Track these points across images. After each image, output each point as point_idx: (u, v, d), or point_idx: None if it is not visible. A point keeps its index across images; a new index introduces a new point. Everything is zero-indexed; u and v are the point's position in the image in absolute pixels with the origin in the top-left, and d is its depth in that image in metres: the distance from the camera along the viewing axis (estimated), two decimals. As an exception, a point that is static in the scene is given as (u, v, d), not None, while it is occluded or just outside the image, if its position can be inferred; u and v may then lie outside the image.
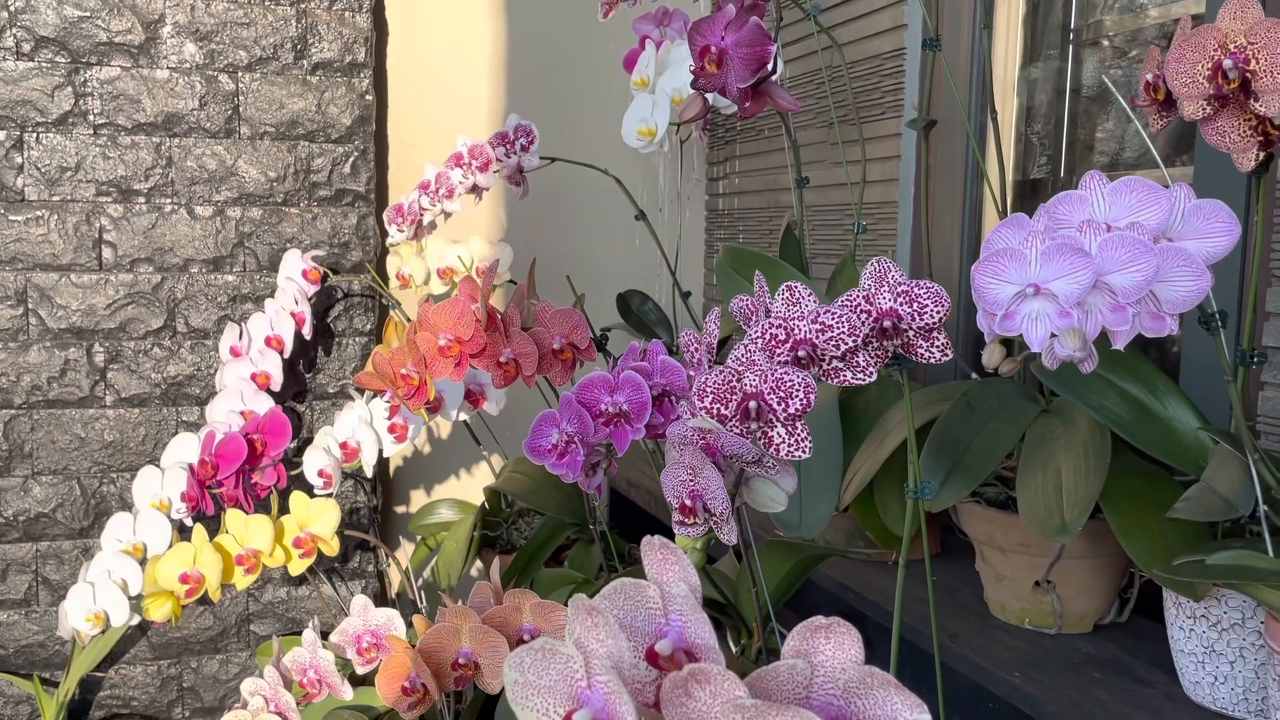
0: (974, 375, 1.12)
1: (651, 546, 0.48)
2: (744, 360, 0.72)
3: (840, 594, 1.19)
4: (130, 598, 1.41)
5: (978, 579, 1.12)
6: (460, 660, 0.85)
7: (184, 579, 1.19)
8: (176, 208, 1.72)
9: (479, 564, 1.77)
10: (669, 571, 0.48)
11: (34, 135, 1.64)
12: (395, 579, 1.94)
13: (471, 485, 2.02)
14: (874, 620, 1.14)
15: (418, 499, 2.01)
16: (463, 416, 1.36)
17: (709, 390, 0.71)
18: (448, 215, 1.52)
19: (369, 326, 1.84)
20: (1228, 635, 0.84)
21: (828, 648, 0.47)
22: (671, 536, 1.62)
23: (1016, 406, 1.02)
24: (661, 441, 1.34)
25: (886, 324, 0.72)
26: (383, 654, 1.13)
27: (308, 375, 1.81)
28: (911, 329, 0.72)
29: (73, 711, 1.71)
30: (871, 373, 0.72)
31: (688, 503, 0.71)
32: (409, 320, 1.82)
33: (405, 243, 1.52)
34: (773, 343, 0.72)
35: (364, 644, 1.11)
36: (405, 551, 1.96)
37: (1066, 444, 0.92)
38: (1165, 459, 0.88)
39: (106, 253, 1.69)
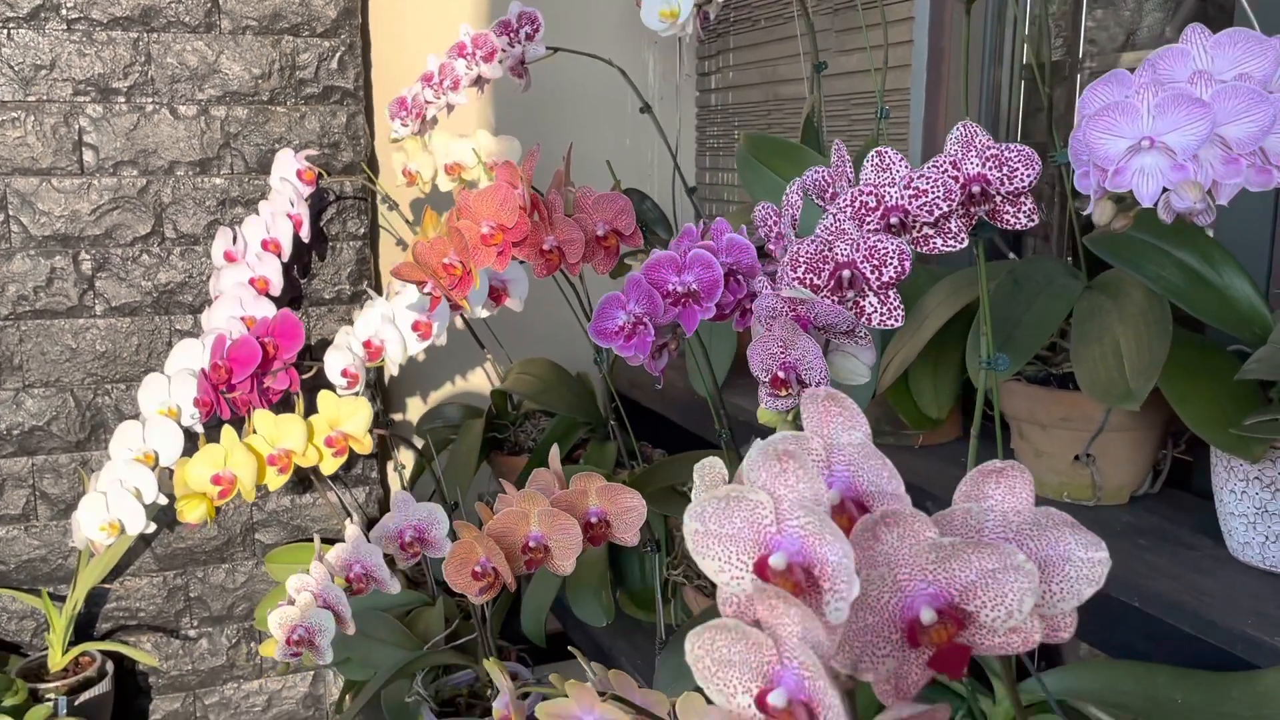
0: (1012, 255, 1.12)
1: (815, 398, 0.47)
2: (833, 230, 0.71)
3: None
4: (145, 505, 1.38)
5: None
6: (530, 544, 0.85)
7: (216, 480, 1.16)
8: (158, 107, 1.64)
9: (488, 466, 1.77)
10: (832, 423, 0.47)
11: (4, 31, 1.55)
12: (395, 485, 1.93)
13: (471, 391, 2.00)
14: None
15: (414, 407, 1.99)
16: (484, 314, 1.33)
17: (802, 260, 0.70)
18: (451, 108, 1.47)
19: (363, 230, 1.79)
20: (1282, 496, 0.86)
21: (998, 492, 0.47)
22: (683, 437, 1.62)
23: (1062, 284, 1.02)
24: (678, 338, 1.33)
25: (975, 189, 0.71)
26: (426, 549, 1.13)
27: (303, 281, 1.76)
28: (1000, 194, 0.72)
29: (79, 625, 1.69)
30: (963, 239, 0.71)
31: (780, 375, 0.70)
32: (407, 222, 1.78)
33: (410, 138, 1.47)
34: (863, 210, 0.71)
35: (406, 538, 1.10)
36: (408, 457, 1.94)
37: (1120, 315, 0.92)
38: (1222, 327, 0.89)
39: (88, 156, 1.62)
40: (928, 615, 0.42)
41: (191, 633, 1.77)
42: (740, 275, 0.84)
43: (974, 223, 0.73)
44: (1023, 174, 0.70)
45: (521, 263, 1.03)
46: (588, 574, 1.31)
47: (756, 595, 0.40)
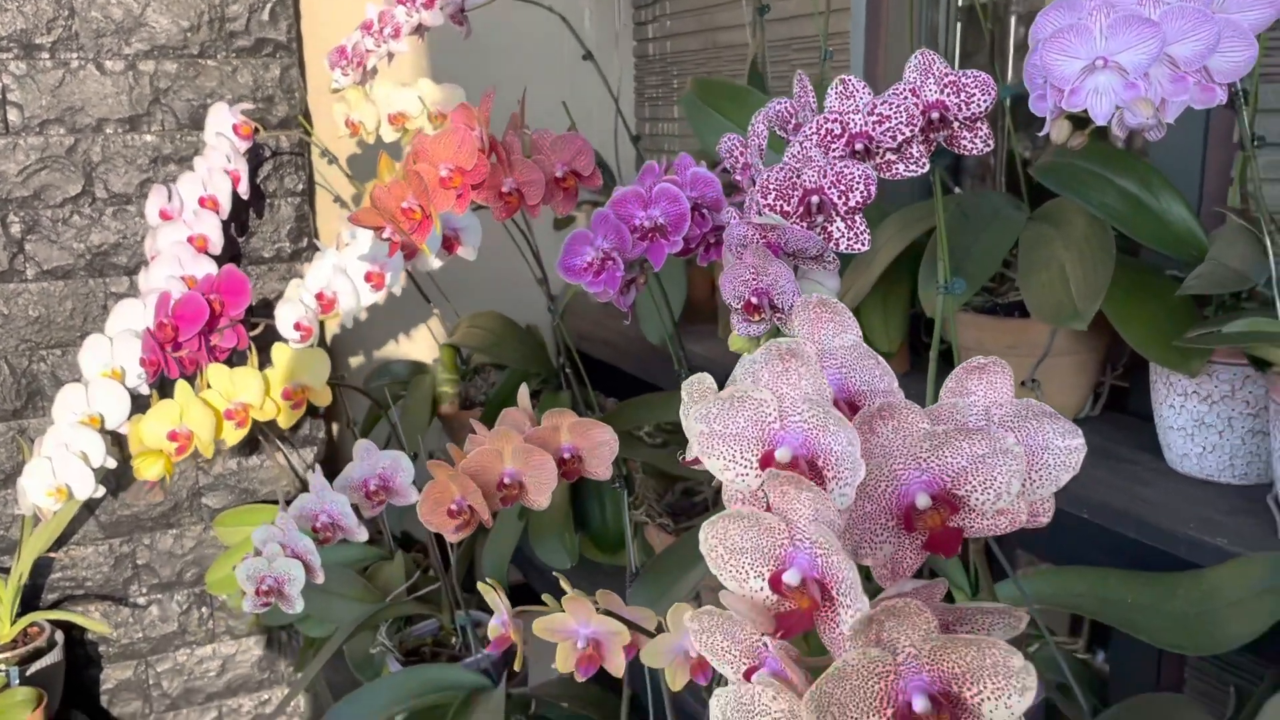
0: (957, 189, 1.16)
1: (806, 305, 0.49)
2: (800, 157, 0.73)
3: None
4: (93, 469, 1.36)
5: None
6: (506, 480, 0.86)
7: (173, 436, 1.15)
8: (84, 63, 1.59)
9: (438, 422, 1.77)
10: (824, 328, 0.49)
11: (-85, -17, 1.49)
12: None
13: (416, 347, 1.99)
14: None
15: (358, 365, 1.98)
16: (437, 263, 1.33)
17: (772, 187, 0.72)
18: (391, 57, 1.45)
19: (301, 186, 1.76)
20: (1217, 408, 0.91)
21: (980, 388, 0.49)
22: (635, 386, 1.63)
23: (1007, 215, 1.06)
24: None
25: (934, 115, 0.74)
26: (391, 497, 1.13)
27: (241, 240, 1.73)
28: (958, 120, 0.74)
29: (24, 597, 1.66)
30: (925, 164, 0.74)
31: (753, 300, 0.72)
32: (348, 176, 1.76)
33: (351, 88, 1.45)
34: (828, 137, 0.73)
35: (371, 487, 1.10)
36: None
37: (1064, 242, 0.96)
38: (1161, 249, 0.93)
39: (12, 115, 1.57)
40: (923, 501, 0.45)
41: (141, 600, 1.75)
42: (705, 209, 0.86)
43: (933, 149, 0.75)
44: (979, 99, 0.73)
45: (476, 209, 1.03)
46: (550, 517, 1.33)
47: (769, 482, 0.41)
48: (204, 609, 1.79)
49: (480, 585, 0.74)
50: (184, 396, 1.17)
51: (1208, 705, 1.00)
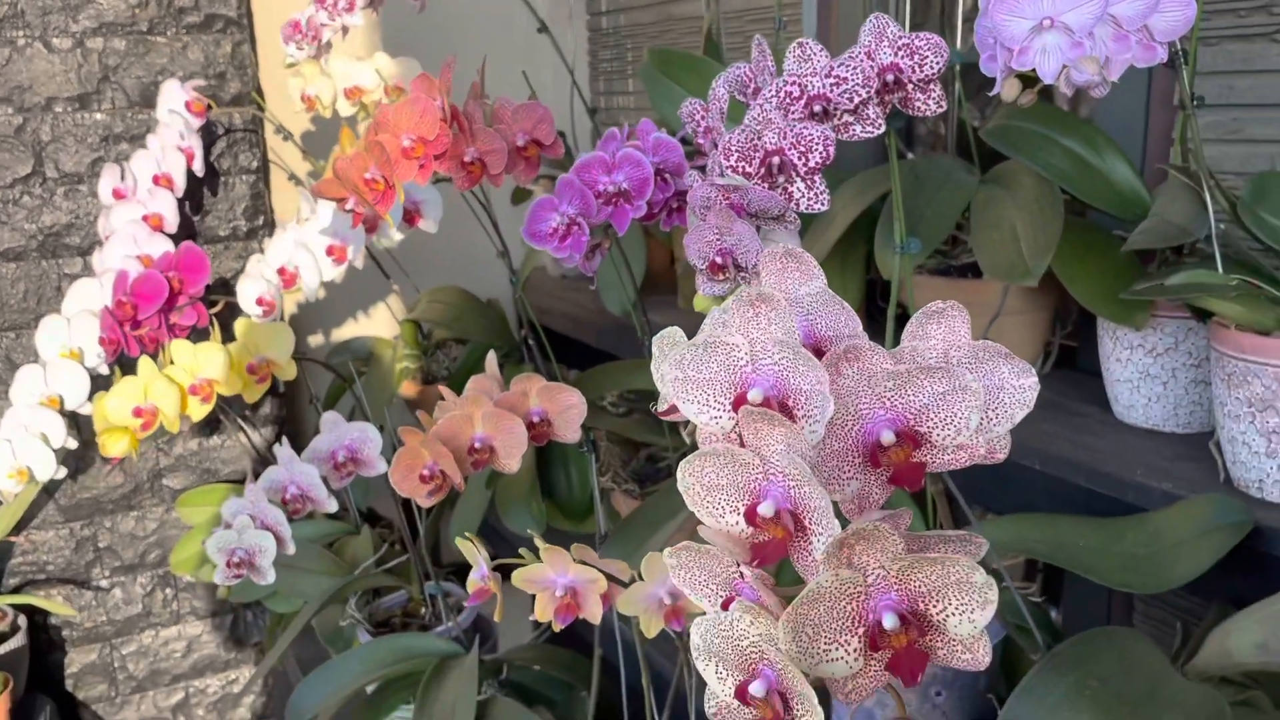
0: (910, 155, 1.18)
1: (773, 255, 0.51)
2: (761, 119, 0.74)
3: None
4: (54, 450, 1.35)
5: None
6: (476, 445, 0.87)
7: (138, 413, 1.14)
8: (31, 40, 1.57)
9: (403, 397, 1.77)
10: (790, 277, 0.51)
11: None
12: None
13: (375, 325, 1.99)
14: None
15: (318, 345, 1.97)
16: (398, 236, 1.33)
17: (734, 149, 0.73)
18: (346, 31, 1.45)
19: (255, 164, 1.75)
20: (1162, 360, 0.94)
21: (939, 331, 0.52)
22: (596, 358, 1.65)
23: (958, 179, 1.09)
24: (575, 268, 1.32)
25: (889, 78, 0.76)
26: (359, 468, 1.14)
27: (195, 218, 1.72)
28: (912, 81, 0.76)
29: (-16, 583, 1.64)
30: (881, 124, 0.76)
31: (717, 260, 0.74)
32: (304, 151, 1.75)
33: (307, 62, 1.45)
34: (787, 100, 0.75)
35: (340, 458, 1.11)
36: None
37: (1014, 203, 0.99)
38: (1106, 208, 0.96)
39: (-43, 92, 1.54)
40: (888, 437, 0.47)
41: (104, 583, 1.74)
42: (668, 174, 0.87)
43: (888, 111, 0.78)
44: (932, 61, 0.75)
45: (435, 182, 1.03)
46: (517, 485, 1.34)
47: (743, 419, 0.43)
48: (168, 590, 1.79)
49: (458, 540, 0.76)
50: (148, 373, 1.17)
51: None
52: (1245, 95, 0.96)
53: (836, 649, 0.41)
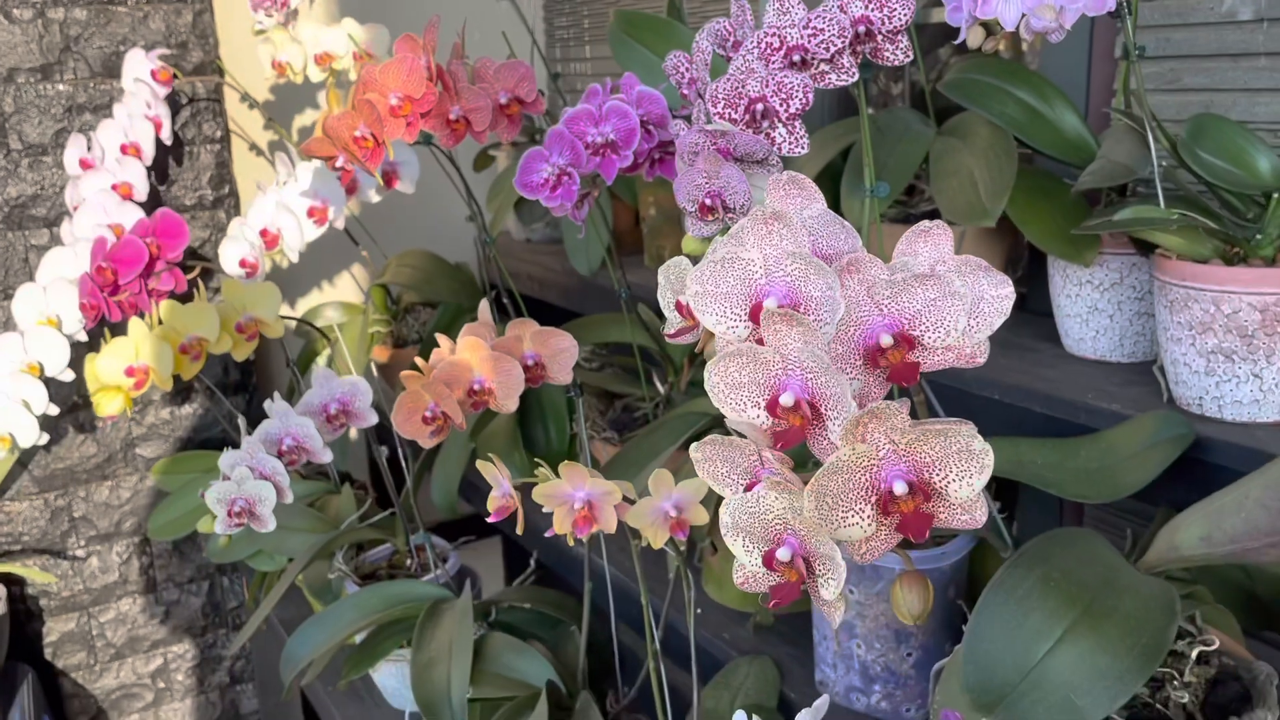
0: (871, 111, 1.24)
1: (778, 183, 0.57)
2: (744, 69, 0.80)
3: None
4: (36, 416, 1.36)
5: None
6: (475, 387, 0.92)
7: (130, 372, 1.17)
8: (-10, 10, 1.56)
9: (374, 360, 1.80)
10: (793, 202, 0.57)
11: None
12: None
13: (338, 293, 2.01)
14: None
15: (284, 313, 1.99)
16: (376, 198, 1.36)
17: (720, 97, 0.79)
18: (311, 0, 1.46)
19: (219, 134, 1.76)
20: (1108, 294, 1.02)
21: (926, 248, 0.58)
22: (563, 318, 1.71)
23: (917, 130, 1.15)
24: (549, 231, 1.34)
25: (860, 29, 0.82)
26: (351, 420, 1.18)
27: (161, 188, 1.73)
28: (881, 33, 0.82)
29: (-40, 555, 1.65)
30: (854, 73, 0.81)
31: (707, 202, 0.79)
32: (270, 120, 1.76)
33: (276, 28, 1.46)
34: (768, 50, 0.80)
35: (332, 410, 1.15)
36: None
37: (970, 151, 1.06)
38: (1056, 154, 1.03)
39: (-83, 63, 1.53)
40: (886, 340, 0.53)
41: (80, 552, 1.75)
42: (651, 126, 0.92)
43: (859, 61, 0.83)
44: (900, 13, 0.81)
45: (418, 144, 1.06)
46: (499, 439, 1.39)
47: (764, 321, 0.49)
48: (144, 558, 1.81)
49: (479, 463, 0.80)
50: (138, 333, 1.19)
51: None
52: (1181, 47, 1.04)
53: (853, 515, 0.47)
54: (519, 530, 0.76)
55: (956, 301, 0.52)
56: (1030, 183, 1.06)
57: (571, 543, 0.73)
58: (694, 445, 0.52)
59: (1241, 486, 0.75)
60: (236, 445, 1.09)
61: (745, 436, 0.50)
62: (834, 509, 0.46)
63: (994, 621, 0.72)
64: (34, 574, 1.62)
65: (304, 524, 1.46)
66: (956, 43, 0.77)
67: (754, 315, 0.52)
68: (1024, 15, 0.72)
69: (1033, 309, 1.25)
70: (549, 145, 0.91)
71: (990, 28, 0.74)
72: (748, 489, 0.50)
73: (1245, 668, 0.81)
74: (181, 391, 1.79)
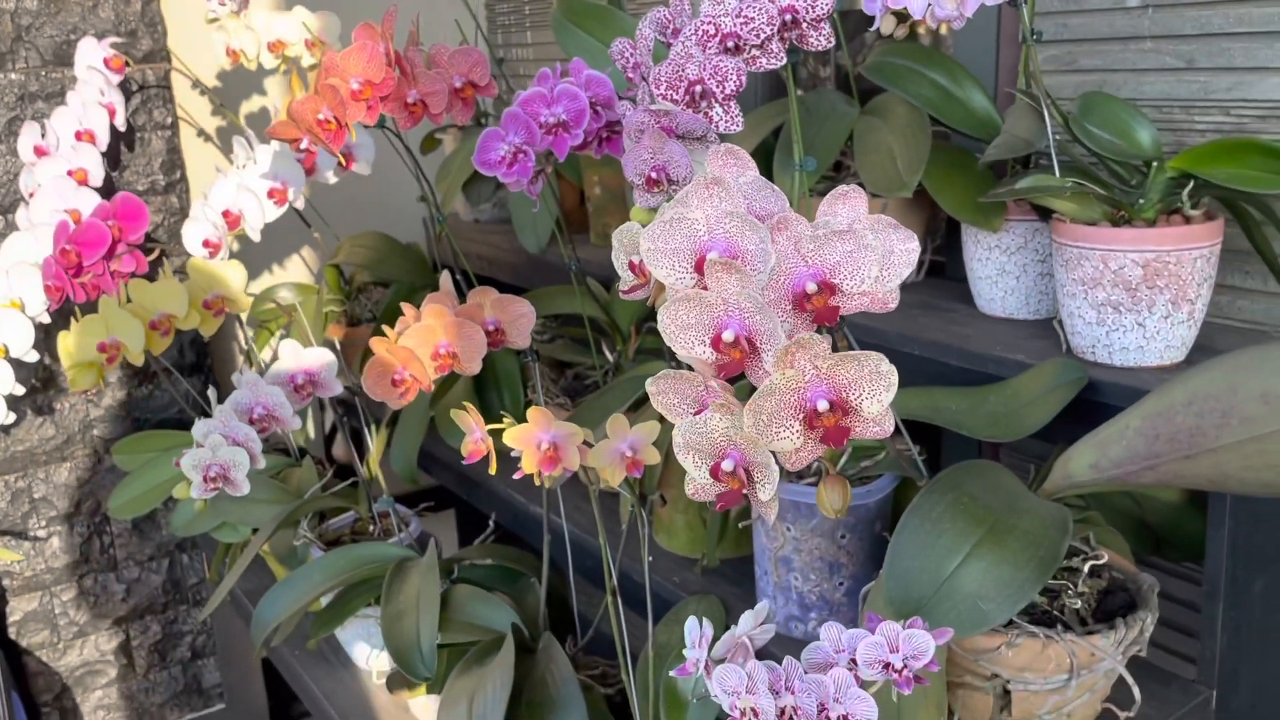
0: (800, 92, 1.33)
1: (716, 152, 0.65)
2: (683, 54, 0.88)
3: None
4: (3, 396, 1.41)
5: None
6: (441, 351, 1.00)
7: (102, 348, 1.22)
8: (-61, -1, 1.59)
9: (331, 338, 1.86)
10: (729, 169, 0.66)
11: None
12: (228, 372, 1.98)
13: (288, 275, 2.06)
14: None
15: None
16: (333, 179, 1.42)
17: (663, 79, 0.87)
18: (265, -11, 1.52)
19: (170, 120, 1.80)
20: (1015, 257, 1.13)
21: (844, 209, 0.67)
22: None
23: (842, 111, 1.25)
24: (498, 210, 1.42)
25: (787, 17, 0.90)
26: (317, 390, 1.25)
27: (114, 174, 1.76)
28: (806, 21, 0.91)
29: (-79, 538, 1.68)
30: (783, 57, 0.90)
31: (653, 175, 0.87)
32: (221, 106, 1.81)
33: (230, 16, 1.51)
34: (704, 38, 0.89)
35: (299, 381, 1.21)
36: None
37: (890, 129, 1.16)
38: (966, 130, 1.14)
39: None
40: (810, 287, 0.62)
41: (41, 533, 1.79)
42: (599, 107, 1.00)
43: (787, 46, 0.92)
44: (823, 3, 0.90)
45: (373, 127, 1.13)
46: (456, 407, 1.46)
47: (708, 270, 0.58)
48: (105, 537, 1.85)
49: (452, 411, 0.88)
50: (108, 310, 1.24)
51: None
52: (1077, 31, 1.15)
53: (784, 430, 0.56)
54: (492, 470, 0.84)
55: (870, 253, 0.62)
56: (944, 157, 1.16)
57: (538, 482, 0.81)
58: (649, 379, 0.60)
59: (1123, 419, 0.86)
60: (191, 425, 1.15)
61: (693, 370, 0.59)
62: (769, 425, 0.55)
63: (911, 541, 0.82)
64: (2, 552, 1.65)
65: (268, 495, 1.52)
66: (871, 30, 0.86)
67: (699, 267, 0.61)
68: (929, 4, 0.82)
69: (949, 275, 1.35)
70: (505, 125, 0.98)
71: (902, 15, 0.83)
72: (696, 415, 0.59)
73: (1132, 580, 0.92)
74: (138, 374, 1.83)
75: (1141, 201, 0.97)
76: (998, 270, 1.14)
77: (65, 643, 1.85)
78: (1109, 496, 1.06)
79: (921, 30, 1.20)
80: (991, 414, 1.00)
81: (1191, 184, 0.94)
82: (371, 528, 1.48)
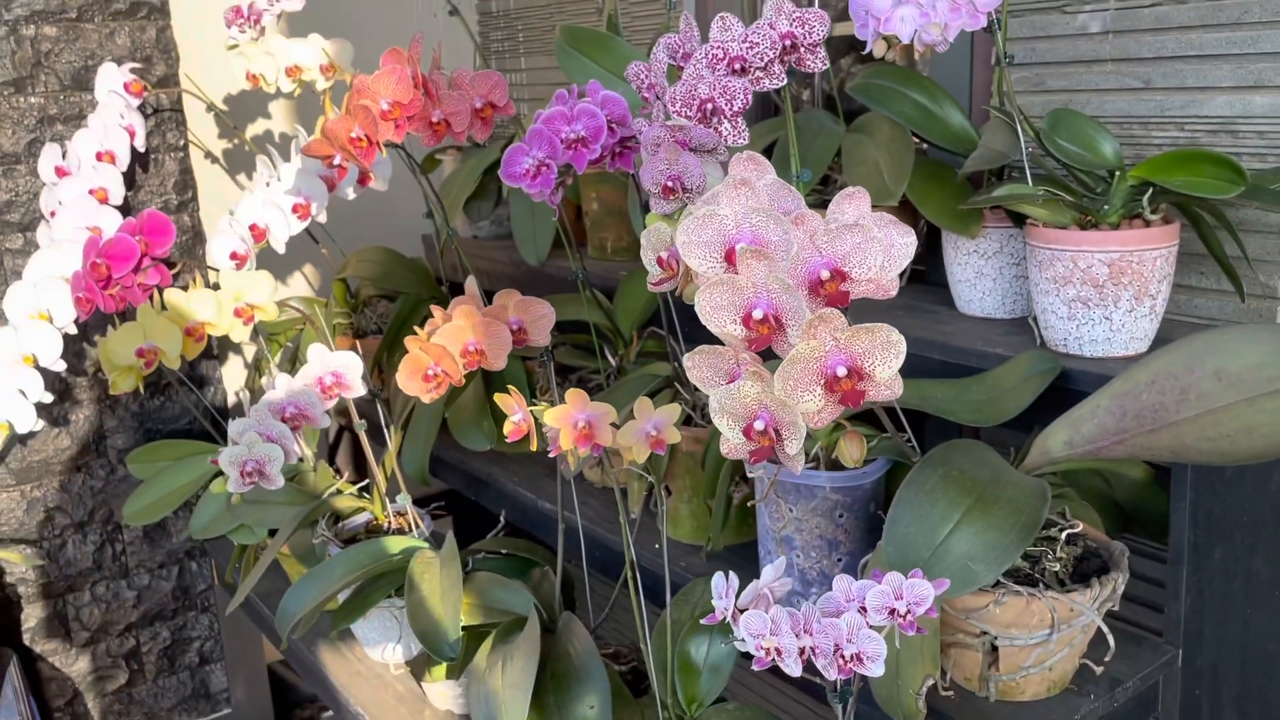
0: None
1: (739, 159, 0.75)
2: (695, 75, 0.98)
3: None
4: (32, 404, 1.47)
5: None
6: (470, 349, 1.08)
7: (140, 353, 1.29)
8: (-35, 27, 1.66)
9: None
10: (751, 172, 0.75)
11: None
12: (233, 385, 2.05)
13: (293, 290, 2.13)
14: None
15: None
16: (353, 195, 1.51)
17: (678, 98, 0.97)
18: (280, 15, 1.60)
19: (182, 142, 1.88)
20: (991, 261, 1.23)
21: (850, 207, 0.76)
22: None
23: (830, 129, 1.35)
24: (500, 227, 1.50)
25: (787, 43, 1.00)
26: (343, 391, 1.32)
27: (129, 194, 1.84)
28: (804, 45, 1.01)
29: (-59, 546, 1.73)
30: (783, 78, 1.00)
31: (669, 184, 0.97)
32: (233, 128, 1.89)
33: (250, 42, 1.60)
34: (714, 61, 0.98)
35: (326, 382, 1.29)
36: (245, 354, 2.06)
37: (876, 144, 1.26)
38: (945, 145, 1.24)
39: (-103, 77, 1.62)
40: (825, 274, 0.71)
41: (55, 540, 1.84)
42: (614, 124, 1.09)
43: (786, 68, 1.02)
44: (818, 29, 1.00)
45: (391, 147, 1.21)
46: (467, 410, 1.54)
47: (739, 257, 0.67)
48: (117, 545, 1.90)
49: (497, 396, 0.96)
50: (146, 318, 1.31)
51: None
52: (1044, 55, 1.26)
53: (807, 393, 0.65)
54: (533, 447, 0.92)
55: (876, 244, 0.71)
56: (925, 169, 1.26)
57: (570, 460, 0.89)
58: (687, 355, 0.69)
59: (1094, 399, 0.96)
60: (205, 435, 1.23)
61: (726, 346, 0.68)
62: (795, 389, 0.64)
63: (908, 510, 0.91)
64: (13, 556, 1.71)
65: (284, 498, 1.59)
66: (864, 53, 0.96)
67: (728, 258, 0.70)
68: (917, 31, 0.92)
69: (931, 281, 1.46)
70: (529, 141, 1.07)
71: (890, 40, 0.93)
72: (728, 384, 0.67)
73: (1104, 547, 1.02)
74: (150, 386, 1.89)
75: (1106, 207, 1.07)
76: (975, 273, 1.24)
77: (78, 648, 1.90)
78: (1082, 477, 1.16)
79: (898, 56, 1.30)
80: (974, 402, 1.10)
81: (1150, 191, 1.05)
82: (386, 526, 1.56)
